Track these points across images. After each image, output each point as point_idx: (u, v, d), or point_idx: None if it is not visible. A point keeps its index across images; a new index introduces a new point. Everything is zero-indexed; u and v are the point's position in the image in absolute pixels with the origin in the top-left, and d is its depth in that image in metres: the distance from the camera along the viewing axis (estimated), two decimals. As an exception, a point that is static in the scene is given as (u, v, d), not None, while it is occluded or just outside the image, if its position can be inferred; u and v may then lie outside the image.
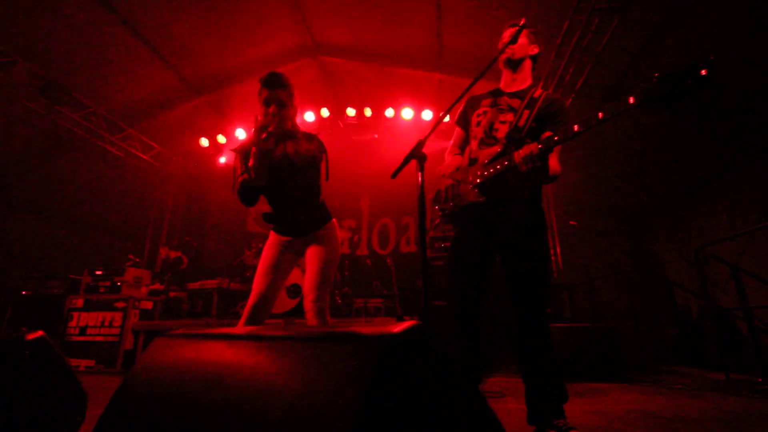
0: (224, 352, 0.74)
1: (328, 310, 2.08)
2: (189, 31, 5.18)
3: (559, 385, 1.63)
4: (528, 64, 1.92)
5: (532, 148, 1.53)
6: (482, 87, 1.88)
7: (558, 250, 5.84)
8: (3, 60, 4.70)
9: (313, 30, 5.62)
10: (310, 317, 2.01)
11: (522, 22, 1.78)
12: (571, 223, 5.50)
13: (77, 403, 1.33)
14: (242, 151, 2.05)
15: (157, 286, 5.73)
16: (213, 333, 0.83)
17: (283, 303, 4.68)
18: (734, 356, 3.95)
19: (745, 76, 3.55)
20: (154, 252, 7.28)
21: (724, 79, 1.13)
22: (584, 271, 5.32)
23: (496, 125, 1.84)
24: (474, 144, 1.90)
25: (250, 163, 1.95)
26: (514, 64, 1.90)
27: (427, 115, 6.43)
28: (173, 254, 6.43)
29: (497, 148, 1.76)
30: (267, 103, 2.02)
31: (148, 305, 5.09)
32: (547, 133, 1.58)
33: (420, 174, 1.48)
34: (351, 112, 6.64)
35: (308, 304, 2.02)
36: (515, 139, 1.72)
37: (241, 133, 6.84)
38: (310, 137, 2.15)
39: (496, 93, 1.94)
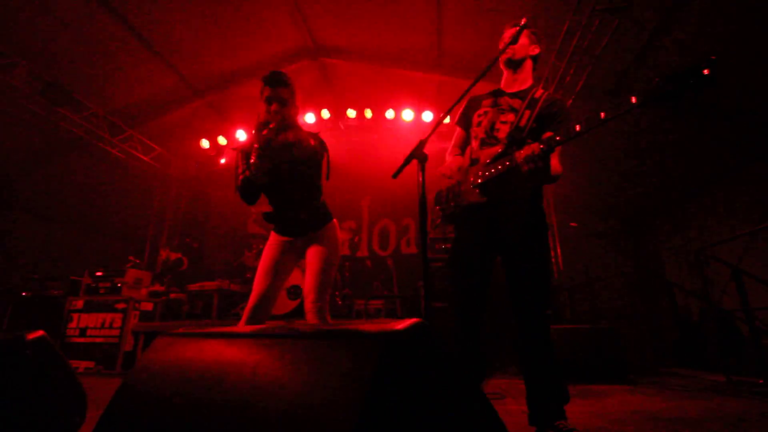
0: (225, 351, 0.74)
1: (328, 311, 2.08)
2: (190, 33, 5.19)
3: (560, 386, 1.62)
4: (529, 64, 1.92)
5: (534, 148, 1.53)
6: (483, 88, 1.88)
7: (558, 251, 5.84)
8: (4, 61, 4.71)
9: (313, 32, 5.63)
10: (310, 318, 2.01)
11: (523, 22, 1.78)
12: (572, 224, 5.50)
13: (77, 403, 1.32)
14: (244, 150, 2.05)
15: (158, 287, 5.73)
16: (214, 332, 0.83)
17: (284, 304, 4.67)
18: (735, 358, 3.94)
19: (745, 77, 3.55)
20: (155, 253, 7.27)
21: (723, 81, 1.13)
22: (584, 272, 5.32)
23: (497, 125, 1.84)
24: (475, 144, 1.90)
25: (252, 159, 1.95)
26: (514, 65, 1.90)
27: (428, 116, 6.43)
28: (173, 255, 6.43)
29: (498, 149, 1.76)
30: (269, 101, 2.03)
31: (149, 307, 5.08)
32: (549, 134, 1.58)
33: (421, 174, 1.48)
34: (351, 113, 6.64)
35: (308, 304, 2.02)
36: (516, 139, 1.72)
37: (241, 135, 6.84)
38: (311, 135, 2.15)
39: (497, 93, 1.94)
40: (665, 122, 4.55)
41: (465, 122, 2.02)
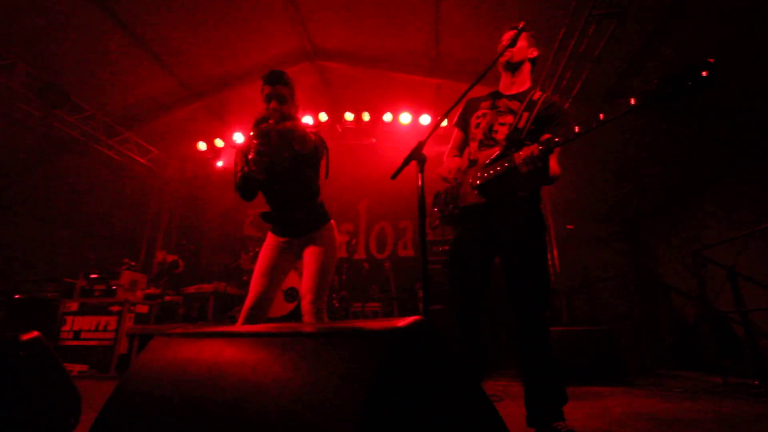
0: (224, 351, 0.73)
1: (326, 313, 2.07)
2: (188, 36, 5.18)
3: (558, 387, 1.62)
4: (527, 67, 1.93)
5: (533, 149, 1.53)
6: (480, 91, 1.89)
7: (555, 253, 5.85)
8: (1, 63, 4.68)
9: (311, 35, 5.64)
10: (308, 319, 2.00)
11: (521, 25, 1.79)
12: (568, 226, 5.52)
13: (71, 405, 1.31)
14: (243, 148, 2.05)
15: (153, 289, 5.69)
16: (212, 332, 0.82)
17: (281, 307, 4.66)
18: (731, 359, 3.96)
19: (741, 80, 3.59)
20: (150, 255, 7.23)
21: (720, 84, 1.14)
22: (582, 274, 5.33)
23: (496, 127, 1.84)
24: (473, 146, 1.90)
25: (250, 155, 1.95)
26: (513, 67, 1.91)
27: (425, 119, 6.45)
28: (170, 258, 6.39)
29: (497, 150, 1.76)
30: (268, 98, 2.03)
31: (144, 309, 5.04)
32: (547, 135, 1.59)
33: (420, 175, 1.48)
34: (349, 116, 6.66)
35: (306, 305, 2.00)
36: (515, 140, 1.73)
37: (239, 137, 6.83)
38: (312, 132, 2.15)
39: (495, 95, 1.95)
40: (662, 125, 4.59)
41: (463, 124, 2.03)
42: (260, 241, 2.23)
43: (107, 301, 4.73)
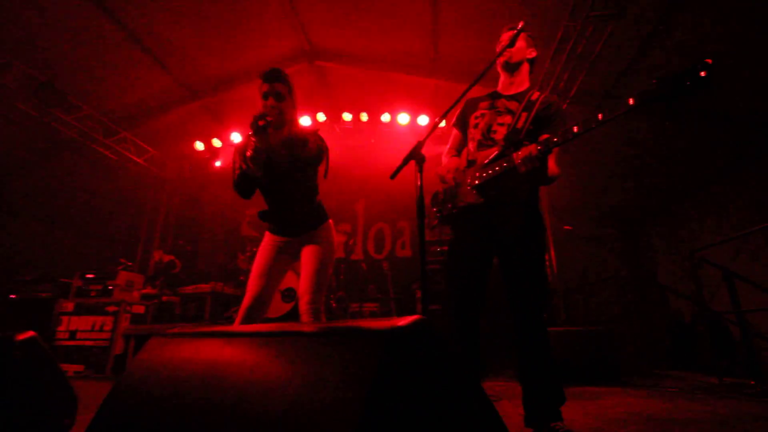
0: (223, 351, 0.72)
1: (323, 313, 2.06)
2: (186, 35, 5.16)
3: (556, 387, 1.62)
4: (526, 67, 1.94)
5: (532, 149, 1.54)
6: (479, 91, 1.89)
7: (552, 253, 5.87)
8: (-4, 61, 4.66)
9: (309, 35, 5.63)
10: (306, 320, 1.99)
11: (520, 26, 1.79)
12: (566, 227, 5.53)
13: (67, 405, 1.29)
14: (241, 146, 2.05)
15: (150, 290, 5.66)
16: (211, 331, 0.82)
17: (278, 307, 4.64)
18: (727, 360, 3.98)
19: (738, 81, 3.61)
20: (147, 256, 7.20)
21: (717, 85, 1.15)
22: (579, 275, 5.35)
23: (494, 127, 1.85)
24: (472, 146, 1.90)
25: (248, 153, 1.94)
26: (511, 68, 1.91)
27: (423, 120, 6.45)
28: (167, 258, 6.37)
29: (495, 150, 1.76)
30: (266, 96, 2.04)
31: (140, 309, 5.02)
32: (546, 135, 1.59)
33: (419, 175, 1.48)
34: (347, 116, 6.64)
35: (303, 305, 2.00)
36: (514, 140, 1.73)
37: (236, 137, 6.81)
38: (311, 134, 2.15)
39: (494, 96, 1.96)
40: (659, 126, 4.61)
41: (462, 124, 2.03)
42: (258, 241, 2.22)
43: (103, 301, 4.70)
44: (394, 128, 6.62)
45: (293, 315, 4.56)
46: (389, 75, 6.01)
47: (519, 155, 1.58)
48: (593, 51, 4.22)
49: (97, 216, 7.38)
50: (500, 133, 1.83)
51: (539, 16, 4.24)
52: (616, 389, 3.22)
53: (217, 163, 7.33)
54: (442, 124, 1.69)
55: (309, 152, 2.02)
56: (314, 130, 2.18)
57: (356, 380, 0.50)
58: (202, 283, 5.61)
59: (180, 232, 7.73)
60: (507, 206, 1.76)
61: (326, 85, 6.64)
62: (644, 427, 1.95)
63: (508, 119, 1.84)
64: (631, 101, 1.23)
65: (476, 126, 1.91)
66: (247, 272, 5.19)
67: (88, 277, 4.97)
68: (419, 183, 1.47)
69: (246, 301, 2.02)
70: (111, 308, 4.63)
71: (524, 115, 1.79)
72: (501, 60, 1.90)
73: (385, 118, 6.54)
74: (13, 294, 4.96)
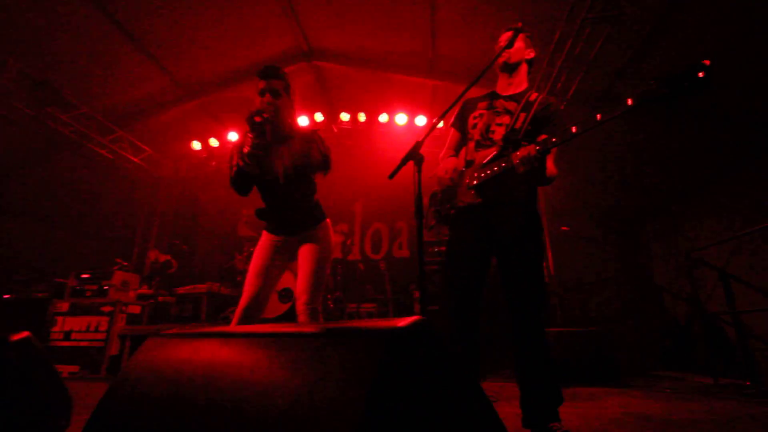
0: (221, 351, 0.72)
1: (321, 313, 2.05)
2: (183, 34, 5.14)
3: (554, 387, 1.62)
4: (524, 68, 1.94)
5: (530, 149, 1.54)
6: (477, 92, 1.89)
7: (549, 254, 5.88)
8: (-9, 59, 4.62)
9: (307, 35, 5.62)
10: (303, 320, 1.98)
11: (519, 26, 1.80)
12: (563, 228, 5.55)
13: (62, 407, 1.28)
14: (238, 143, 2.05)
15: (145, 290, 5.63)
16: (208, 332, 0.81)
17: (275, 307, 4.63)
18: (722, 360, 4.00)
19: (736, 83, 3.63)
20: (143, 255, 7.15)
21: (715, 86, 1.16)
22: (576, 275, 5.36)
23: (493, 127, 1.85)
24: (470, 146, 1.90)
25: (245, 149, 1.94)
26: (510, 68, 1.92)
27: (421, 120, 6.46)
28: (163, 257, 6.34)
29: (494, 150, 1.77)
30: (262, 93, 2.04)
31: (136, 310, 4.99)
32: (544, 136, 1.59)
33: (417, 175, 1.48)
34: (345, 117, 6.64)
35: (300, 306, 1.98)
36: (512, 141, 1.73)
37: (234, 137, 6.79)
38: (310, 134, 2.15)
39: (493, 96, 1.96)
40: (656, 127, 4.63)
41: (460, 124, 2.03)
42: (255, 241, 2.21)
43: (99, 302, 4.67)
44: (391, 128, 6.62)
45: (290, 315, 4.54)
46: (387, 75, 6.01)
47: (518, 155, 1.58)
48: (590, 53, 4.24)
49: (93, 215, 7.33)
50: (498, 133, 1.83)
51: (537, 18, 4.25)
52: (614, 390, 3.22)
53: (214, 163, 7.31)
54: (440, 124, 1.69)
55: (315, 161, 2.01)
56: (313, 130, 2.18)
57: (356, 381, 0.49)
58: (199, 284, 5.58)
59: (176, 232, 7.70)
60: (505, 206, 1.76)
61: (324, 85, 6.63)
62: (642, 428, 1.96)
63: (506, 119, 1.84)
64: (629, 101, 1.23)
65: (475, 126, 1.91)
66: (244, 272, 5.18)
67: (84, 277, 4.94)
68: (418, 183, 1.46)
69: (243, 301, 2.01)
70: (106, 308, 4.60)
71: (523, 115, 1.79)
72: (500, 61, 1.90)
73: (383, 118, 6.54)
74: (7, 294, 4.92)
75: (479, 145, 1.86)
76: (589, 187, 5.77)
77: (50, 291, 5.00)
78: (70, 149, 6.26)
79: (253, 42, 5.53)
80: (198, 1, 4.71)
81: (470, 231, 1.80)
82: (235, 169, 2.00)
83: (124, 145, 6.67)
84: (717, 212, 4.58)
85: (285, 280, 4.63)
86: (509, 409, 2.22)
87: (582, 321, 5.00)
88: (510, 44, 1.84)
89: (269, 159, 2.03)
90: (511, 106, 1.86)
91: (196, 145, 7.08)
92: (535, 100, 1.82)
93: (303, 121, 6.60)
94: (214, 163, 7.30)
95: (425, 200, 1.73)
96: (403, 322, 0.54)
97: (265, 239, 2.13)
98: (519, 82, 1.93)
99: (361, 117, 6.61)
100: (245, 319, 1.99)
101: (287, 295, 4.68)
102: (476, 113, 1.94)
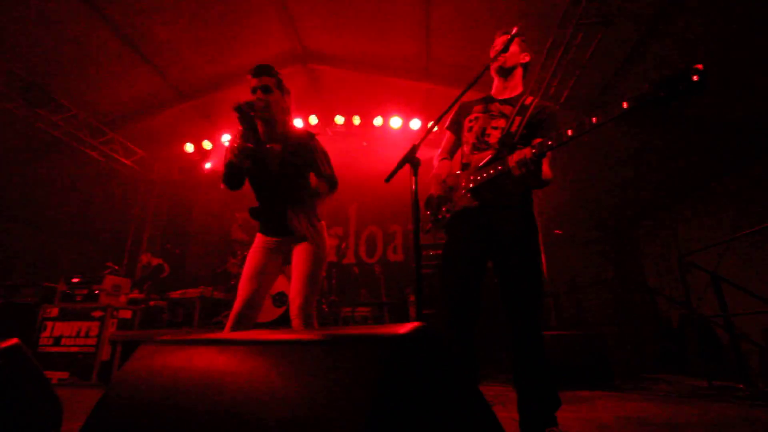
0: (217, 359, 0.70)
1: (315, 318, 2.03)
2: (177, 36, 5.11)
3: (552, 391, 1.62)
4: (519, 71, 1.95)
5: (526, 152, 1.54)
6: (471, 95, 1.89)
7: (543, 258, 5.91)
8: (-21, 60, 4.55)
9: (302, 38, 5.62)
10: (297, 324, 1.95)
11: (514, 31, 1.81)
12: (556, 231, 5.58)
13: (52, 415, 1.25)
14: (232, 141, 2.04)
15: (137, 294, 5.56)
16: (204, 339, 0.79)
17: (269, 312, 4.59)
18: (714, 362, 4.03)
19: (725, 88, 3.68)
20: (134, 259, 7.07)
21: (706, 90, 1.17)
22: (569, 279, 5.39)
23: (488, 131, 1.85)
24: (466, 149, 1.90)
25: (236, 143, 1.93)
26: (505, 72, 1.92)
27: (416, 123, 6.48)
28: (155, 261, 6.26)
29: (490, 153, 1.77)
30: (254, 90, 2.05)
31: (127, 314, 4.91)
32: (539, 139, 1.60)
33: (414, 178, 1.47)
34: (339, 119, 6.64)
35: (294, 310, 1.96)
36: (508, 144, 1.74)
37: (227, 139, 6.75)
38: (307, 136, 2.15)
39: (488, 100, 1.96)
40: (647, 132, 4.68)
41: (456, 127, 2.04)
42: (248, 245, 2.19)
43: (89, 306, 4.59)
44: (386, 132, 6.63)
45: (284, 319, 4.50)
46: (382, 78, 6.02)
47: (513, 158, 1.58)
48: (583, 57, 4.28)
49: (84, 218, 7.24)
50: (494, 136, 1.83)
51: (530, 23, 4.28)
52: (608, 393, 3.24)
53: (207, 165, 7.26)
54: (436, 128, 1.69)
55: (324, 184, 2.05)
56: (311, 134, 2.18)
57: (358, 390, 0.48)
58: (191, 288, 5.52)
59: (168, 236, 7.62)
60: (501, 209, 1.76)
61: (319, 87, 6.63)
62: (640, 431, 1.96)
63: (501, 123, 1.84)
64: (625, 105, 1.24)
65: (470, 129, 1.92)
66: (237, 276, 5.11)
67: (74, 282, 4.85)
68: (414, 186, 1.46)
69: (236, 306, 1.98)
70: (97, 313, 4.52)
71: (518, 119, 1.80)
72: (495, 65, 1.91)
73: (378, 121, 6.55)
74: (-6, 299, 4.82)
75: (475, 149, 1.86)
76: (583, 191, 5.81)
77: (39, 295, 4.91)
78: (61, 151, 6.18)
79: (248, 44, 5.51)
80: (192, 2, 4.68)
81: (467, 233, 1.80)
82: (225, 162, 1.99)
83: (116, 147, 6.61)
84: (710, 215, 4.63)
85: (279, 284, 4.60)
86: (506, 414, 2.22)
87: (575, 324, 5.02)
88: (505, 48, 1.84)
89: (262, 153, 2.02)
90: (507, 109, 1.87)
91: (189, 147, 7.03)
92: (531, 103, 1.83)
93: (298, 123, 6.58)
94: (207, 166, 7.25)
95: (421, 204, 1.72)
96: (405, 328, 0.54)
97: (259, 242, 2.11)
98: (514, 86, 1.94)
99: (356, 120, 6.61)
100: (239, 323, 1.96)
101: (281, 299, 4.65)
102: (472, 116, 1.94)
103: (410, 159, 1.49)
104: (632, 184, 5.60)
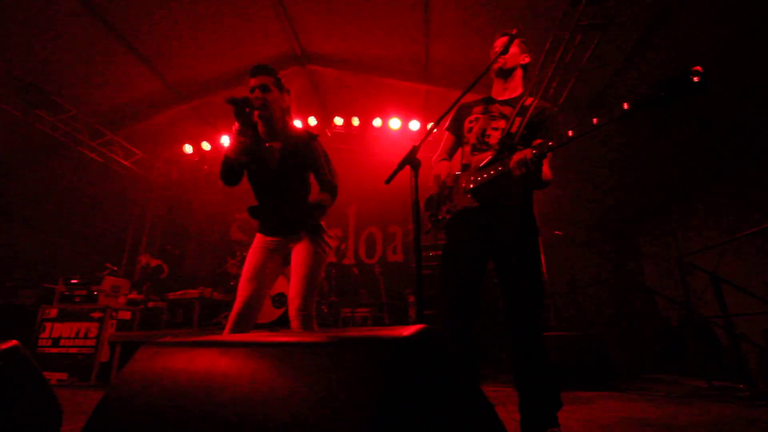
0: (219, 361, 0.70)
1: (314, 319, 2.02)
2: (176, 37, 5.11)
3: (553, 392, 1.62)
4: (519, 73, 1.95)
5: (527, 153, 1.54)
6: (471, 97, 1.89)
7: (542, 259, 5.90)
8: (-22, 61, 4.54)
9: (301, 39, 5.61)
10: (296, 326, 1.93)
11: (514, 32, 1.81)
12: (556, 232, 5.58)
13: (52, 416, 1.24)
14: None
15: (135, 295, 5.55)
16: (206, 340, 0.79)
17: (269, 312, 4.58)
18: (714, 363, 4.03)
19: (725, 89, 3.69)
20: (133, 260, 7.06)
21: (705, 92, 1.17)
22: (569, 280, 5.39)
23: (488, 131, 1.85)
24: (466, 150, 1.91)
25: (233, 139, 1.94)
26: (505, 74, 1.92)
27: (415, 125, 6.48)
28: (154, 262, 6.25)
29: (490, 154, 1.77)
30: (252, 90, 2.05)
31: (126, 316, 4.90)
32: (539, 140, 1.60)
33: (414, 180, 1.47)
34: (339, 121, 6.64)
35: (293, 311, 1.95)
36: (508, 145, 1.74)
37: (226, 140, 6.75)
38: (307, 136, 2.15)
39: (488, 101, 1.96)
40: (647, 133, 4.69)
41: (455, 128, 2.04)
42: (247, 246, 2.18)
43: (88, 307, 4.58)
44: (385, 133, 6.64)
45: (284, 320, 4.49)
46: (381, 80, 6.02)
47: (514, 159, 1.58)
48: (582, 59, 4.29)
49: (83, 219, 7.22)
50: (494, 137, 1.83)
51: (529, 25, 4.29)
52: (609, 394, 3.24)
53: (206, 167, 7.25)
54: (436, 130, 1.69)
55: (327, 196, 2.08)
56: (312, 134, 2.18)
57: (361, 393, 0.48)
58: (190, 289, 5.51)
59: (167, 237, 7.61)
60: (502, 209, 1.76)
61: (318, 89, 6.63)
62: None
63: (502, 124, 1.84)
64: (626, 105, 1.24)
65: (470, 130, 1.92)
66: (236, 277, 5.13)
67: (73, 283, 4.84)
68: (415, 187, 1.46)
69: (236, 306, 1.97)
70: (96, 314, 4.51)
71: (518, 119, 1.80)
72: (495, 67, 1.91)
73: (377, 122, 6.55)
74: (-7, 300, 4.81)
75: (475, 149, 1.86)
76: (582, 192, 5.82)
77: (38, 296, 4.89)
78: (60, 152, 6.16)
79: (246, 45, 5.51)
80: (191, 4, 4.68)
81: (467, 233, 1.80)
82: (222, 159, 2.00)
83: (115, 148, 6.60)
84: (709, 215, 4.63)
85: (279, 285, 4.59)
86: (506, 414, 2.22)
87: (575, 325, 5.02)
88: (505, 50, 1.85)
89: (262, 151, 2.03)
90: (507, 110, 1.87)
91: (188, 148, 7.03)
92: (531, 104, 1.83)
93: (297, 125, 6.57)
94: (206, 167, 7.25)
95: (421, 205, 1.72)
96: (408, 331, 0.53)
97: (259, 241, 2.10)
98: (514, 87, 1.94)
99: (355, 121, 6.62)
100: (239, 324, 1.95)
101: (281, 300, 4.64)
102: (472, 117, 1.94)
103: (411, 160, 1.49)
104: (632, 184, 5.60)
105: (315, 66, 6.09)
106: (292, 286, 1.98)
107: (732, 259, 4.02)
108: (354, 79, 6.15)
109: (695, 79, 1.11)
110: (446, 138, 2.09)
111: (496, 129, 1.85)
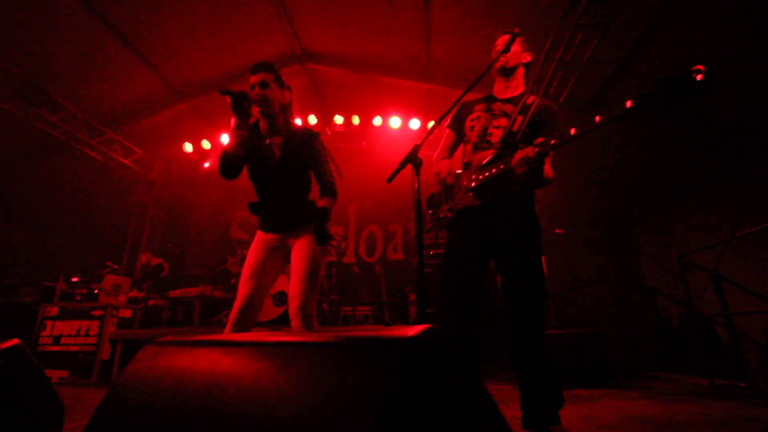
0: (222, 360, 0.69)
1: (315, 317, 2.02)
2: (176, 36, 5.10)
3: (555, 389, 1.62)
4: (521, 71, 1.95)
5: (528, 151, 1.54)
6: (472, 95, 1.89)
7: (543, 257, 5.89)
8: (-22, 59, 4.53)
9: (301, 38, 5.60)
10: (296, 325, 1.92)
11: (516, 30, 1.80)
12: (557, 231, 5.58)
13: (53, 416, 1.25)
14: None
15: (136, 293, 5.55)
16: (208, 339, 0.79)
17: (269, 311, 4.58)
18: (714, 361, 4.04)
19: (724, 88, 3.68)
20: (133, 259, 7.06)
21: (705, 90, 1.16)
22: (569, 278, 5.39)
23: (490, 130, 1.85)
24: (468, 148, 1.90)
25: (231, 134, 1.94)
26: (507, 72, 1.92)
27: (415, 123, 6.47)
28: (154, 260, 6.26)
29: (492, 152, 1.77)
30: (252, 87, 2.05)
31: (127, 314, 4.91)
32: (541, 138, 1.60)
33: (416, 178, 1.47)
34: (339, 119, 6.64)
35: (293, 310, 1.93)
36: (509, 143, 1.73)
37: (226, 139, 6.74)
38: (307, 134, 2.15)
39: (489, 99, 1.96)
40: (647, 131, 4.68)
41: (457, 126, 2.03)
42: (248, 244, 2.18)
43: (89, 306, 4.59)
44: (385, 132, 6.63)
45: (285, 319, 4.48)
46: (381, 78, 6.01)
47: (516, 157, 1.58)
48: (582, 58, 4.28)
49: (83, 218, 7.21)
50: (496, 135, 1.83)
51: (529, 24, 4.27)
52: (610, 392, 3.24)
53: (206, 165, 7.25)
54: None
55: (330, 201, 2.09)
56: (313, 133, 2.18)
57: (366, 393, 0.48)
58: (191, 287, 5.52)
59: (168, 235, 7.61)
60: (503, 208, 1.76)
61: (318, 88, 6.62)
62: (642, 430, 1.96)
63: (503, 122, 1.84)
64: (629, 104, 1.23)
65: (472, 128, 1.91)
66: (237, 275, 5.13)
67: (73, 281, 4.85)
68: (416, 186, 1.46)
69: (237, 305, 1.97)
70: (96, 312, 4.52)
71: (520, 118, 1.80)
72: (497, 65, 1.91)
73: (377, 121, 6.54)
74: (-6, 298, 4.81)
75: (476, 148, 1.86)
76: (583, 190, 5.81)
77: (39, 295, 4.90)
78: (60, 151, 6.16)
79: (246, 44, 5.50)
80: (191, 3, 4.67)
81: (469, 231, 1.80)
82: (221, 153, 2.00)
83: (115, 147, 6.59)
84: (710, 214, 4.63)
85: (279, 283, 4.59)
86: (507, 412, 2.22)
87: (575, 323, 5.02)
88: (507, 48, 1.84)
89: (262, 148, 2.03)
90: (509, 108, 1.87)
91: (188, 147, 7.02)
92: (533, 103, 1.82)
93: (297, 123, 6.57)
94: (206, 166, 7.24)
95: (423, 203, 1.72)
96: (413, 331, 0.53)
97: (259, 239, 2.10)
98: (516, 86, 1.94)
99: (355, 120, 6.61)
100: (240, 322, 1.95)
101: (281, 298, 4.64)
102: (473, 116, 1.94)
103: (412, 159, 1.49)
104: (632, 183, 5.59)
105: (315, 65, 6.08)
106: (292, 285, 1.97)
107: (732, 258, 4.02)
108: (354, 77, 6.14)
109: (698, 77, 1.11)
110: (447, 135, 2.09)
111: (497, 127, 1.84)
